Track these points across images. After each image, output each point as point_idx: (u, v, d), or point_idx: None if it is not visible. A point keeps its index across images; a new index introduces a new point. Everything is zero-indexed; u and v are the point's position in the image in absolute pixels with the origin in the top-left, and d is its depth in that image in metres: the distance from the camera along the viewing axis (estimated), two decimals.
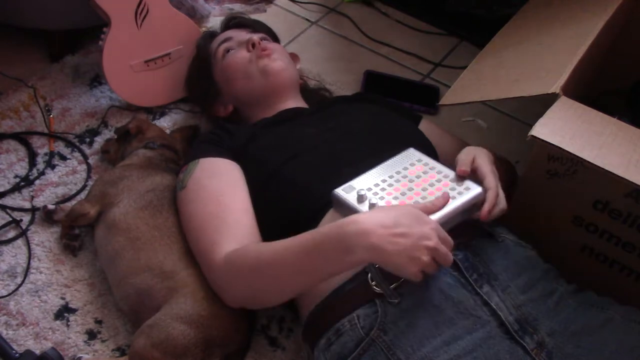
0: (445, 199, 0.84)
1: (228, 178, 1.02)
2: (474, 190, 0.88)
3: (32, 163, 1.29)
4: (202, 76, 1.29)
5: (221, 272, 0.92)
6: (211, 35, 1.33)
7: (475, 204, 0.88)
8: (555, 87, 0.90)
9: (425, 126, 1.19)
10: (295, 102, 1.20)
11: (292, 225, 0.91)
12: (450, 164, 0.96)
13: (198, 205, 0.99)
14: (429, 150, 1.08)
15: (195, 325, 0.93)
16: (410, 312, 0.82)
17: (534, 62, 1.03)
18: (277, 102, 1.18)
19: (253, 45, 1.20)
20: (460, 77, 1.13)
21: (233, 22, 1.33)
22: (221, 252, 0.93)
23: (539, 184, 0.95)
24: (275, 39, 1.34)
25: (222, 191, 1.00)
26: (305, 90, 1.33)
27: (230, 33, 1.28)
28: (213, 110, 1.28)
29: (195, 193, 1.01)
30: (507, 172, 1.09)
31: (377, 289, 0.83)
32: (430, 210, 0.83)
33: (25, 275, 1.10)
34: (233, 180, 1.02)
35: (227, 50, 1.23)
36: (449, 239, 0.80)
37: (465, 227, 0.90)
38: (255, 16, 1.60)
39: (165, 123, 1.40)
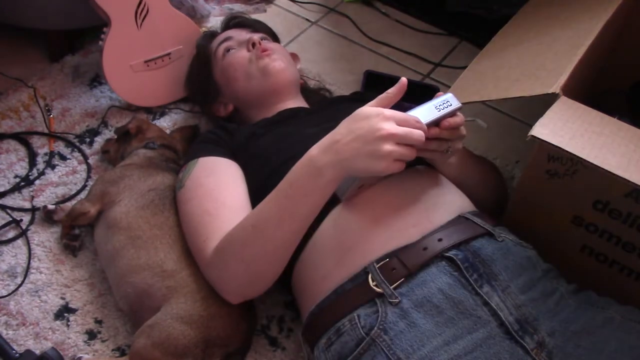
0: (401, 85, 0.83)
1: (226, 176, 1.02)
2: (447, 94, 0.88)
3: (32, 163, 1.29)
4: (202, 76, 1.29)
5: (213, 264, 0.93)
6: (211, 35, 1.33)
7: (448, 105, 0.87)
8: (555, 87, 0.89)
9: None
10: (295, 102, 1.20)
11: None
12: None
13: (195, 203, 0.99)
14: None
15: (195, 325, 0.93)
16: (410, 311, 0.82)
17: (534, 62, 1.03)
18: (278, 102, 1.18)
19: (253, 45, 1.20)
20: (460, 77, 1.13)
21: (233, 22, 1.33)
22: (212, 247, 0.93)
23: (539, 184, 0.95)
24: (275, 38, 1.34)
25: (220, 189, 0.99)
26: (306, 90, 1.33)
27: (230, 33, 1.28)
28: (213, 110, 1.28)
29: (193, 192, 1.01)
30: (490, 168, 1.12)
31: (377, 289, 0.84)
32: (386, 102, 0.83)
33: (25, 275, 1.10)
34: (231, 179, 1.02)
35: (228, 50, 1.23)
36: (410, 117, 0.81)
37: (465, 227, 0.90)
38: (255, 16, 1.60)
39: (165, 123, 1.40)
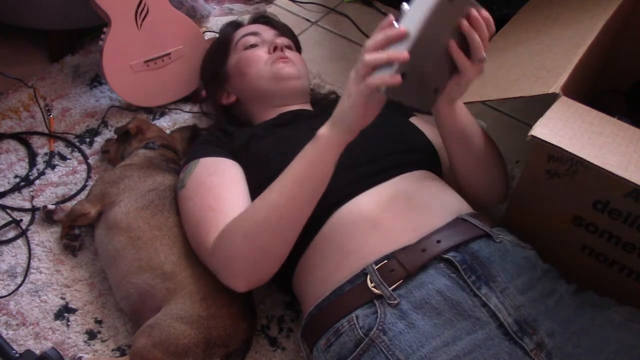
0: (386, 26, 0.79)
1: (228, 174, 1.02)
2: None
3: (32, 163, 1.29)
4: (217, 60, 1.29)
5: (216, 248, 0.92)
6: (237, 24, 1.33)
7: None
8: (555, 87, 0.90)
9: (418, 122, 1.19)
10: (298, 105, 1.20)
11: None
12: (444, 155, 1.04)
13: (196, 200, 0.99)
14: (428, 149, 1.08)
15: (195, 326, 0.93)
16: (409, 313, 0.82)
17: (534, 62, 1.03)
18: (281, 105, 1.18)
19: (275, 49, 1.20)
20: None
21: (262, 19, 1.34)
22: (214, 239, 0.93)
23: (539, 184, 0.95)
24: (298, 47, 1.34)
25: (221, 186, 0.99)
26: (315, 96, 1.34)
27: (258, 28, 1.28)
28: (217, 95, 1.29)
29: (194, 191, 1.01)
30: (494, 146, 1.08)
31: (376, 290, 0.84)
32: (373, 46, 0.79)
33: (25, 275, 1.10)
34: (233, 177, 1.02)
35: (251, 45, 1.23)
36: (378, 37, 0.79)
37: (463, 229, 0.90)
38: None
39: (165, 123, 1.40)
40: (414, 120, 1.19)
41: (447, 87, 0.89)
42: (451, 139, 1.00)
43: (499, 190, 1.07)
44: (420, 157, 1.04)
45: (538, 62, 1.01)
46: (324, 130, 0.86)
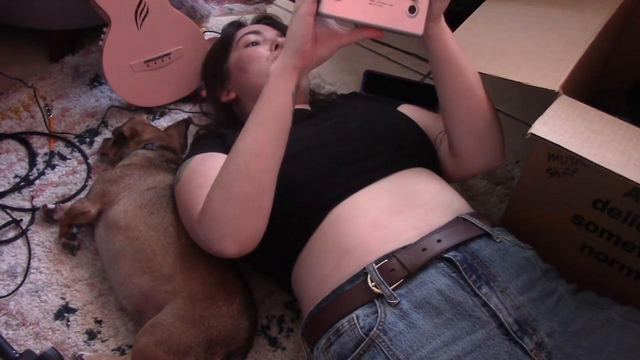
0: None
1: (221, 161, 1.01)
2: None
3: (32, 163, 1.29)
4: (218, 58, 1.30)
5: (200, 215, 0.91)
6: (239, 24, 1.35)
7: None
8: (555, 85, 0.90)
9: (407, 110, 1.19)
10: (297, 105, 1.20)
11: (290, 226, 0.91)
12: (436, 135, 1.06)
13: (188, 186, 0.99)
14: (423, 142, 1.08)
15: (197, 325, 0.93)
16: (409, 312, 0.82)
17: (533, 46, 1.02)
18: None
19: (276, 47, 1.21)
20: (454, 34, 1.10)
21: (265, 20, 1.34)
22: None
23: (539, 183, 0.95)
24: None
25: (214, 169, 0.96)
26: (314, 96, 1.34)
27: (260, 27, 1.29)
28: (217, 92, 1.29)
29: (187, 179, 1.00)
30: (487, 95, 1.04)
31: (376, 290, 0.83)
32: None
33: (25, 275, 1.10)
34: None
35: (252, 43, 1.24)
36: None
37: (463, 228, 0.90)
38: None
39: (165, 123, 1.40)
40: (402, 109, 1.19)
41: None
42: (442, 70, 0.97)
43: (496, 144, 1.03)
44: (417, 152, 1.03)
45: (538, 47, 1.01)
46: (275, 63, 0.86)
